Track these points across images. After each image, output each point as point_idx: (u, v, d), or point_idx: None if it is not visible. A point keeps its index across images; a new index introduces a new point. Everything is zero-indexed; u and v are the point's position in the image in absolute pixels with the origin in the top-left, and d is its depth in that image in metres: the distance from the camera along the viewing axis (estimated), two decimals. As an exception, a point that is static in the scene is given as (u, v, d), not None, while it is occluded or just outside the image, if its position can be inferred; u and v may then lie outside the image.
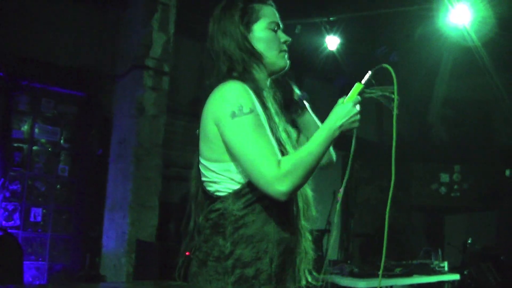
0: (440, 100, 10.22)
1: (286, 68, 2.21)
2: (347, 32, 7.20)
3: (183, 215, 6.67)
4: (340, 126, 1.95)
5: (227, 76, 2.06)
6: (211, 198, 2.02)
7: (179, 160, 7.56)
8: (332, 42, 7.38)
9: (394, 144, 2.02)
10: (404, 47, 7.80)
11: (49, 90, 6.25)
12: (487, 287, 7.50)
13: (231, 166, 1.97)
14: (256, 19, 2.15)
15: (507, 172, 9.74)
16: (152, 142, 5.95)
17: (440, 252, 6.52)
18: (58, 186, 6.29)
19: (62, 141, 6.32)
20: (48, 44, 6.08)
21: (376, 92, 2.04)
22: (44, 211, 6.14)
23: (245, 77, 2.05)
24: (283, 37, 2.18)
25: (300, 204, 2.08)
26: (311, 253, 2.13)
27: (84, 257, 6.04)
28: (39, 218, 6.10)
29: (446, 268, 6.33)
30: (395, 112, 2.01)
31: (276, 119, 2.06)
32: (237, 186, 1.97)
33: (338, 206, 2.10)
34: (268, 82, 2.18)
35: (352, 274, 5.32)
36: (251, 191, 1.95)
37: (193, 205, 2.13)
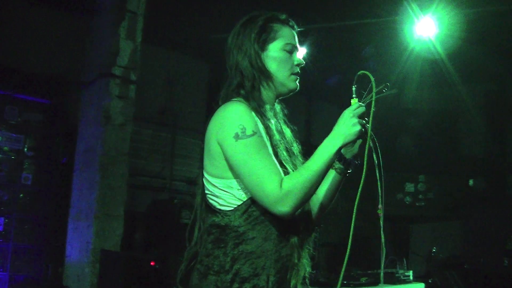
0: (406, 111, 10.34)
1: (296, 90, 2.26)
2: (315, 42, 7.25)
3: (149, 225, 6.62)
4: (340, 135, 2.01)
5: (235, 90, 2.16)
6: (213, 211, 2.10)
7: (145, 169, 7.53)
8: (299, 52, 7.42)
9: (366, 153, 2.09)
10: (371, 58, 7.87)
11: (13, 97, 6.16)
12: (451, 296, 7.58)
13: (233, 183, 2.04)
14: (273, 39, 2.20)
15: (471, 182, 9.87)
16: (119, 151, 5.90)
17: (405, 261, 6.59)
18: (21, 195, 6.20)
19: (26, 149, 6.24)
20: (12, 50, 6.01)
21: (370, 98, 2.11)
22: (6, 220, 6.05)
23: (251, 95, 2.13)
24: (297, 60, 2.24)
25: (300, 222, 2.14)
26: (306, 269, 2.18)
27: (47, 267, 5.96)
28: (0, 228, 6.00)
29: (411, 277, 6.39)
30: (372, 110, 2.09)
31: (278, 137, 2.14)
32: (238, 203, 2.04)
33: (381, 221, 2.20)
34: (275, 101, 2.26)
35: (318, 284, 5.34)
36: (252, 208, 2.02)
37: (198, 215, 2.22)
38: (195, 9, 7.11)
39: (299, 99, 9.45)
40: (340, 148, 2.01)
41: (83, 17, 6.43)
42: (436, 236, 10.13)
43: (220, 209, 2.07)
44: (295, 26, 2.30)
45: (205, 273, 2.06)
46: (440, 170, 9.76)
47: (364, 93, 2.13)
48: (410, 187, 9.80)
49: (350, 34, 7.26)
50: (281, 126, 2.28)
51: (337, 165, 2.24)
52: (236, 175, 2.02)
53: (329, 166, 1.99)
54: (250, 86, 2.16)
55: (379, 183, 2.16)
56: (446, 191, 9.71)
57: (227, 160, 2.02)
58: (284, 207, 1.90)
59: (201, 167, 2.19)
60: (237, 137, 1.97)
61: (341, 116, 2.05)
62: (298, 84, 2.24)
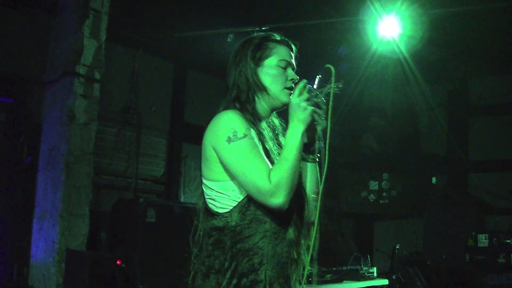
0: (370, 110, 10.46)
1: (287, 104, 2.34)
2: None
3: (114, 224, 6.61)
4: (297, 121, 2.16)
5: (231, 104, 2.30)
6: (212, 214, 2.23)
7: (110, 168, 7.52)
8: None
9: (328, 136, 2.25)
10: (334, 57, 7.94)
11: (-25, 97, 6.11)
12: (414, 292, 7.71)
13: (228, 185, 2.19)
14: (268, 56, 2.35)
15: (434, 180, 10.06)
16: (83, 150, 5.88)
17: (369, 258, 6.69)
18: (-16, 195, 6.14)
19: (-12, 148, 6.18)
20: (-26, 49, 5.96)
21: (324, 90, 2.26)
22: (-31, 221, 5.99)
23: (246, 106, 2.29)
24: (291, 75, 2.36)
25: (296, 218, 2.28)
26: (304, 265, 2.28)
27: (12, 267, 5.91)
28: (-36, 228, 5.94)
29: (375, 274, 6.51)
30: (330, 104, 2.23)
31: (271, 144, 2.32)
32: (234, 204, 2.18)
33: (318, 204, 2.24)
34: (270, 113, 2.40)
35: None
36: (247, 208, 2.17)
37: (200, 220, 2.32)
38: (160, 8, 7.11)
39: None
40: (303, 133, 2.16)
41: (46, 15, 6.39)
42: (399, 233, 10.29)
43: (217, 212, 2.21)
44: (292, 46, 2.44)
45: (207, 273, 2.20)
46: (403, 169, 9.92)
47: (325, 85, 2.27)
48: (374, 185, 9.94)
49: (312, 34, 7.33)
50: (277, 137, 2.43)
51: (309, 157, 2.37)
52: (231, 177, 2.17)
53: (300, 152, 2.15)
54: (245, 98, 2.31)
55: (325, 166, 2.24)
56: (409, 189, 9.87)
57: (222, 163, 2.17)
58: (277, 199, 2.05)
59: (200, 175, 2.31)
60: (229, 140, 2.13)
61: (290, 106, 2.21)
62: (291, 98, 2.31)
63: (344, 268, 6.37)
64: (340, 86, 2.25)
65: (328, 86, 2.26)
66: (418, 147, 10.37)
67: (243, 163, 2.11)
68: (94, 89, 6.04)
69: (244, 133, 2.14)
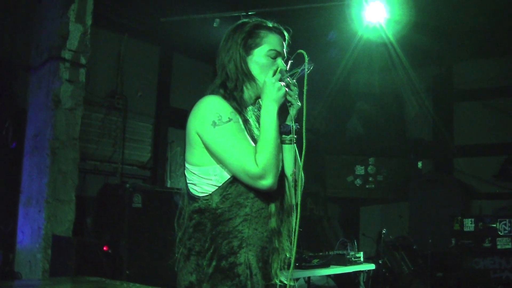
0: (356, 94, 10.48)
1: None
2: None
3: (100, 209, 6.61)
4: (271, 101, 2.22)
5: (217, 89, 2.31)
6: (194, 198, 2.25)
7: (96, 153, 7.51)
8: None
9: (304, 119, 2.28)
10: (320, 42, 7.95)
11: (-42, 82, 6.06)
12: (400, 275, 7.79)
13: (209, 169, 2.20)
14: (258, 44, 2.35)
15: (419, 164, 10.12)
16: (69, 135, 5.86)
17: (355, 243, 6.74)
18: (-31, 181, 6.11)
19: (-27, 134, 6.15)
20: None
21: (294, 73, 2.33)
22: (-46, 206, 5.97)
23: (233, 94, 2.29)
24: (280, 65, 2.34)
25: (277, 204, 2.29)
26: (284, 253, 2.31)
27: (-2, 253, 5.91)
28: (-51, 214, 5.92)
29: (361, 259, 6.55)
30: (305, 88, 2.29)
31: (256, 131, 2.29)
32: (214, 188, 2.20)
33: (299, 187, 2.30)
34: (255, 101, 2.39)
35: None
36: (227, 191, 2.19)
37: (184, 204, 2.33)
38: (146, -9, 7.09)
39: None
40: (278, 112, 2.21)
41: (30, 0, 6.35)
42: (385, 218, 10.36)
43: (199, 196, 2.23)
44: (285, 34, 2.43)
45: (188, 255, 2.23)
46: (389, 153, 9.96)
47: (297, 69, 2.35)
48: (360, 169, 9.98)
49: (299, 19, 7.32)
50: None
51: (285, 139, 2.37)
52: (214, 162, 2.19)
53: (278, 131, 2.20)
54: (233, 86, 2.31)
55: (303, 146, 2.27)
56: (395, 174, 9.92)
57: (207, 147, 2.18)
58: (267, 180, 2.11)
59: (183, 160, 2.33)
60: (214, 124, 2.14)
61: (264, 86, 2.26)
62: (265, 78, 2.33)
63: (331, 253, 6.40)
64: (311, 68, 2.30)
65: (299, 69, 2.32)
66: (404, 131, 10.41)
67: (229, 147, 2.13)
68: (80, 74, 6.02)
69: (229, 117, 2.16)
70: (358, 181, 9.93)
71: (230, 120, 2.16)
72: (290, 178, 2.36)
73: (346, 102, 10.59)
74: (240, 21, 2.43)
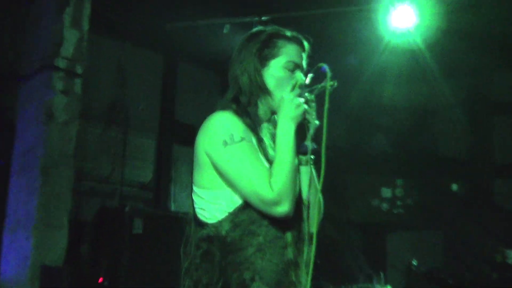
0: (381, 108, 10.41)
1: None
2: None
3: (96, 236, 6.58)
4: (289, 119, 2.22)
5: (229, 104, 2.33)
6: (202, 225, 2.26)
7: (92, 173, 7.50)
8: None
9: (324, 139, 2.30)
10: (341, 50, 7.92)
11: None
12: (433, 312, 7.68)
13: (219, 194, 2.22)
14: (275, 55, 2.37)
15: (454, 187, 10.00)
16: (63, 153, 5.87)
17: (382, 275, 6.65)
18: (-49, 203, 6.11)
19: (-44, 151, 6.16)
20: None
21: (314, 89, 2.34)
22: None
23: (246, 110, 2.32)
24: (298, 79, 2.34)
25: (293, 232, 2.27)
26: (302, 283, 2.27)
27: (-21, 285, 5.88)
28: None
29: (389, 293, 6.46)
30: (326, 107, 2.30)
31: (271, 151, 2.29)
32: (224, 214, 2.20)
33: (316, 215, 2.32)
34: (270, 116, 2.41)
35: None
36: (239, 219, 2.19)
37: (191, 231, 2.34)
38: (149, -6, 7.11)
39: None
40: (295, 132, 2.22)
41: (22, 2, 6.37)
42: (416, 247, 10.23)
43: (207, 222, 2.24)
44: (305, 44, 2.45)
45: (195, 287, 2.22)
46: (419, 174, 9.86)
47: (317, 85, 2.36)
48: (386, 192, 9.89)
49: (317, 25, 7.30)
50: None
51: (302, 159, 2.38)
52: (225, 185, 2.20)
53: (295, 152, 2.21)
54: (247, 101, 2.34)
55: (322, 168, 2.29)
56: (427, 197, 9.80)
57: (217, 169, 2.20)
58: (283, 207, 2.12)
59: (191, 182, 2.35)
60: (225, 144, 2.16)
61: (281, 102, 2.26)
62: (283, 94, 2.33)
63: (354, 286, 6.33)
64: (335, 85, 2.31)
65: (320, 85, 2.33)
66: (435, 149, 10.31)
67: (241, 169, 2.14)
68: (75, 85, 6.04)
69: (241, 136, 2.17)
70: (385, 205, 9.84)
71: (242, 139, 2.17)
72: (307, 203, 2.36)
73: (370, 116, 10.51)
74: (255, 29, 2.49)
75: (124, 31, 7.84)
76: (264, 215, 2.17)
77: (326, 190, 2.33)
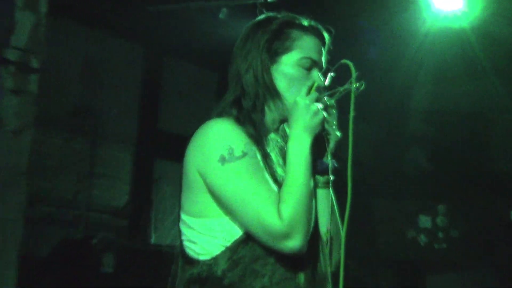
0: (419, 113, 10.40)
1: None
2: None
3: (55, 275, 6.51)
4: (304, 129, 2.23)
5: (228, 108, 2.35)
6: (191, 262, 2.26)
7: (51, 195, 7.46)
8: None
9: (350, 155, 2.33)
10: (368, 41, 7.91)
11: None
12: None
13: (215, 223, 2.21)
14: (288, 49, 2.37)
15: (512, 215, 9.98)
16: (13, 169, 5.81)
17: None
18: None
19: None
20: None
21: (335, 92, 2.38)
22: None
23: (249, 116, 2.31)
24: (315, 79, 2.37)
25: (307, 273, 2.26)
26: None
27: None
28: None
29: None
30: (351, 114, 2.30)
31: (279, 170, 2.29)
32: (220, 249, 2.18)
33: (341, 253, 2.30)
34: (279, 124, 2.44)
35: None
36: (239, 255, 2.17)
37: (178, 268, 2.35)
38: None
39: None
40: (311, 145, 2.23)
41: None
42: (463, 290, 10.22)
43: (198, 259, 2.23)
44: (325, 37, 2.46)
45: None
46: (468, 197, 9.82)
47: (338, 87, 2.39)
48: (425, 221, 9.89)
49: (336, 6, 7.28)
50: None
51: (318, 180, 2.40)
52: (222, 212, 2.19)
53: (310, 172, 2.22)
54: (251, 105, 2.33)
55: (349, 193, 2.31)
56: (477, 228, 9.78)
57: (213, 192, 2.19)
58: (294, 241, 2.09)
59: (178, 207, 2.35)
60: (223, 160, 2.14)
61: (295, 108, 2.28)
62: (297, 98, 2.33)
63: None
64: (362, 88, 2.32)
65: (343, 88, 2.35)
66: (489, 166, 10.31)
67: (244, 192, 2.12)
68: (30, 83, 5.98)
69: (243, 151, 2.16)
70: (423, 238, 9.84)
71: (244, 154, 2.16)
72: (325, 237, 2.36)
73: (404, 125, 10.54)
74: (264, 16, 2.48)
75: (94, 15, 7.82)
76: (271, 251, 2.14)
77: (349, 219, 2.31)
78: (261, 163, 2.21)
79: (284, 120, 2.40)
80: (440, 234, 9.85)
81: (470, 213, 9.89)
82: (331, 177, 2.39)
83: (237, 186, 2.13)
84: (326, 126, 2.33)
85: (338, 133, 2.37)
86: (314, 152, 2.28)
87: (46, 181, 7.41)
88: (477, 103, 10.07)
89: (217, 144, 2.17)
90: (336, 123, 2.37)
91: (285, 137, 2.41)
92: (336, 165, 2.38)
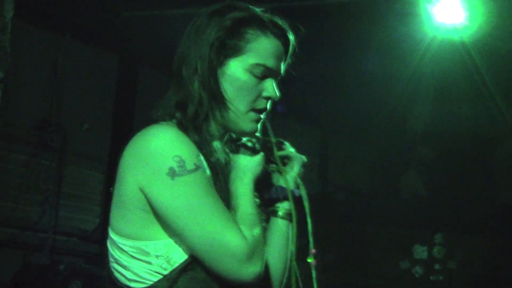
0: (417, 135, 10.44)
1: (251, 135, 2.32)
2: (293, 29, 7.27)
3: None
4: (244, 177, 2.19)
5: (169, 111, 2.23)
6: None
7: (14, 216, 7.42)
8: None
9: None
10: (365, 55, 7.94)
11: None
12: None
13: (150, 246, 2.05)
14: (240, 52, 2.20)
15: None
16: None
17: None
18: None
19: None
20: None
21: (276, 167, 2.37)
22: None
23: (194, 123, 2.16)
24: (268, 90, 2.24)
25: None
26: None
27: None
28: None
29: None
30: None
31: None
32: (156, 278, 2.04)
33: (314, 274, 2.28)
34: (223, 134, 2.31)
35: None
36: (179, 285, 2.04)
37: None
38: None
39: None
40: (252, 184, 2.18)
41: None
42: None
43: (129, 286, 2.09)
44: (289, 39, 2.31)
45: None
46: (468, 226, 9.84)
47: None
48: (421, 251, 9.88)
49: (335, 18, 7.31)
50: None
51: (278, 208, 2.35)
52: (164, 234, 2.05)
53: (256, 207, 2.16)
54: (194, 111, 2.19)
55: (308, 219, 2.29)
56: (477, 259, 9.79)
57: (156, 210, 2.03)
58: (255, 266, 2.00)
59: (107, 224, 2.21)
60: (173, 174, 1.99)
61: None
62: (258, 127, 2.29)
63: None
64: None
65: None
66: (490, 192, 10.34)
67: (199, 211, 2.00)
68: (-7, 93, 5.98)
69: (195, 163, 2.03)
70: (418, 270, 9.83)
71: (197, 168, 2.03)
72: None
73: (400, 148, 10.57)
74: (220, 5, 2.27)
75: (64, 20, 7.82)
76: (215, 279, 2.03)
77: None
78: (211, 178, 2.10)
79: (228, 130, 2.28)
80: (437, 266, 9.84)
81: (470, 243, 9.89)
82: (293, 206, 2.33)
83: (191, 203, 2.00)
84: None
85: (302, 156, 2.37)
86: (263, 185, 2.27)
87: (8, 201, 7.39)
88: (480, 125, 10.13)
89: (164, 155, 2.02)
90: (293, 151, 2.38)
91: (229, 147, 2.31)
92: (299, 193, 2.33)
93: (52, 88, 7.90)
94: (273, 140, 2.33)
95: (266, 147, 2.30)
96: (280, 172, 2.34)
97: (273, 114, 2.30)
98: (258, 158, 2.23)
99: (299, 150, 2.42)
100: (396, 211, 10.27)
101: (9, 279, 6.61)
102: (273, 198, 2.30)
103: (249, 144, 2.26)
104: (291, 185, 2.33)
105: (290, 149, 2.39)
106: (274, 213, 2.31)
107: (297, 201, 2.31)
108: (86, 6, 7.67)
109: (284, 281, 2.27)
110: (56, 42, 7.93)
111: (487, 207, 10.12)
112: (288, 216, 2.32)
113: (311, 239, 2.28)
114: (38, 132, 7.75)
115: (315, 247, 2.30)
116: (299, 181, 2.35)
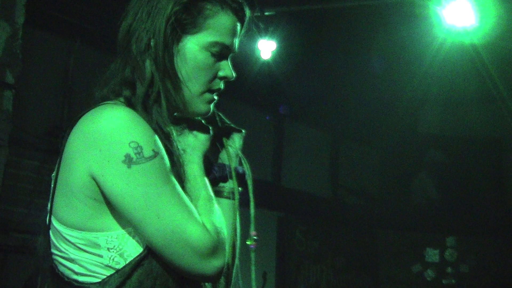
0: (427, 139, 10.40)
1: (205, 116, 2.24)
2: (288, 33, 7.23)
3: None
4: (193, 156, 2.15)
5: (117, 88, 2.10)
6: (67, 283, 1.98)
7: (25, 222, 7.40)
8: (266, 48, 7.36)
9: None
10: (376, 59, 7.93)
11: None
12: None
13: (101, 238, 1.93)
14: (198, 28, 2.09)
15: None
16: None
17: None
18: None
19: None
20: None
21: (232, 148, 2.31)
22: None
23: (142, 104, 2.03)
24: (224, 70, 2.15)
25: None
26: None
27: None
28: None
29: None
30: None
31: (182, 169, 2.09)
32: (108, 271, 1.93)
33: (252, 255, 2.23)
34: (173, 117, 2.17)
35: None
36: (133, 280, 1.93)
37: None
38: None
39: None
40: (201, 162, 2.15)
41: None
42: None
43: (77, 281, 1.96)
44: (246, 14, 2.22)
45: None
46: (479, 230, 9.81)
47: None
48: (433, 254, 9.87)
49: (346, 21, 7.30)
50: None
51: (223, 188, 2.29)
52: (116, 225, 1.95)
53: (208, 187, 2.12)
54: (144, 91, 2.06)
55: (251, 198, 2.23)
56: (489, 262, 9.76)
57: (110, 200, 1.92)
58: (218, 260, 1.96)
59: (49, 212, 2.09)
60: (129, 161, 1.87)
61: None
62: (211, 108, 2.20)
63: None
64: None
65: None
66: (504, 196, 10.30)
67: (159, 202, 1.90)
68: (5, 100, 5.99)
69: (153, 150, 1.91)
70: (430, 273, 9.82)
71: (156, 154, 1.91)
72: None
73: (412, 151, 10.53)
74: None
75: (75, 26, 7.81)
76: (173, 273, 1.96)
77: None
78: (169, 165, 1.98)
79: (180, 111, 2.17)
80: (449, 269, 9.84)
81: (482, 246, 9.86)
82: (237, 184, 2.26)
83: (148, 194, 1.89)
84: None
85: (241, 130, 2.31)
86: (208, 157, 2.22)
87: (19, 207, 7.36)
88: (491, 128, 10.09)
89: (120, 141, 1.88)
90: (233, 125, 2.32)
91: (183, 132, 2.19)
92: (242, 170, 2.26)
93: (63, 93, 7.88)
94: (216, 112, 2.26)
95: (209, 122, 2.24)
96: (224, 147, 2.29)
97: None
98: (207, 134, 2.19)
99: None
100: (407, 214, 10.25)
101: (22, 285, 6.60)
102: (216, 177, 2.23)
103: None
104: (234, 162, 2.26)
105: (227, 122, 2.31)
106: (219, 194, 2.22)
107: (241, 177, 2.25)
108: (98, 10, 7.68)
109: (230, 261, 2.16)
110: (67, 47, 7.93)
111: (498, 210, 10.09)
112: (232, 195, 2.25)
113: (252, 218, 2.19)
114: (49, 137, 7.73)
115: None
116: (241, 155, 2.29)
